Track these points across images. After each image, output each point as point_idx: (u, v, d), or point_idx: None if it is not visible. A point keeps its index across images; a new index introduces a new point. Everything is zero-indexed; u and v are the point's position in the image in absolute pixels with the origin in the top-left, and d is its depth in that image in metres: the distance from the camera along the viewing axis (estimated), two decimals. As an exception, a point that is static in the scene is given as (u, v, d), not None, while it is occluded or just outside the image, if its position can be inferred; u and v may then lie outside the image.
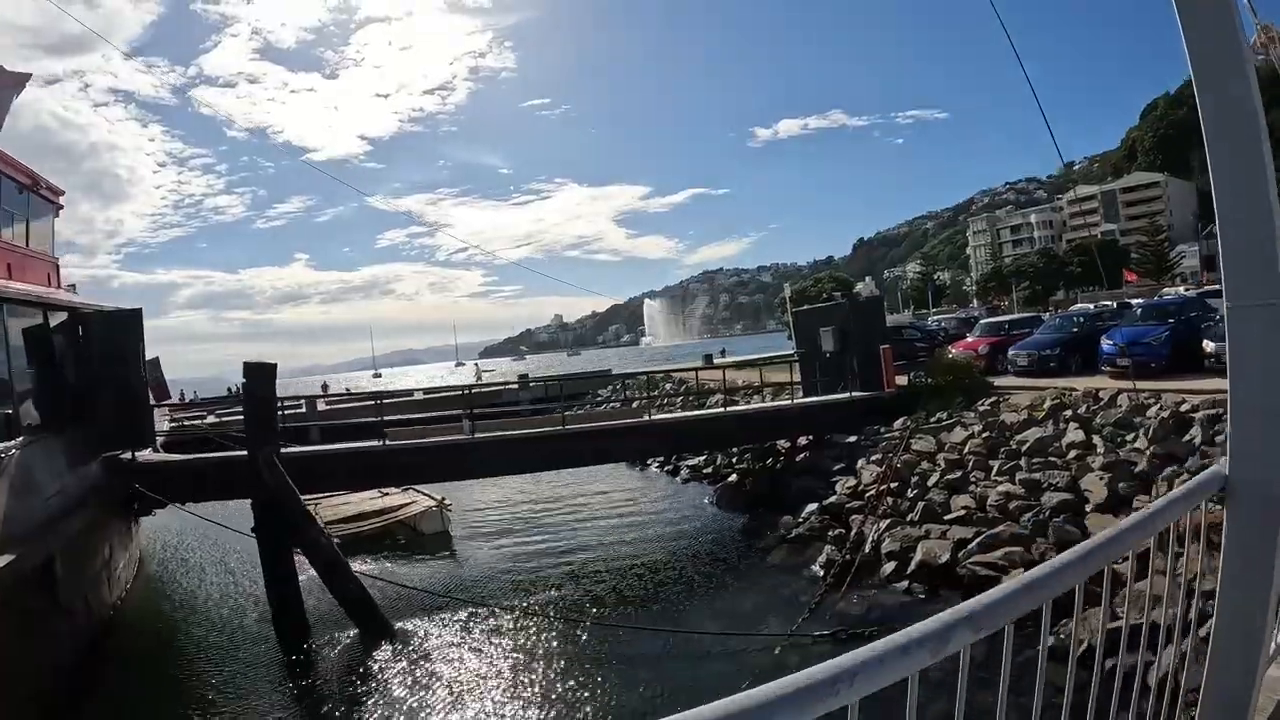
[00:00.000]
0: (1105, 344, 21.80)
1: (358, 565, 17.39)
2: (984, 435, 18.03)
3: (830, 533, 16.59)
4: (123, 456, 16.10)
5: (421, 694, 11.59)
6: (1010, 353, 25.30)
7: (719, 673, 11.42)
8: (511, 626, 14.09)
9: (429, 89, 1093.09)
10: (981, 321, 35.24)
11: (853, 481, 18.55)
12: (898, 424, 20.75)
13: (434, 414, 29.11)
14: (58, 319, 16.10)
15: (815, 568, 15.39)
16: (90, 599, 14.33)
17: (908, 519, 15.72)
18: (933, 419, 20.49)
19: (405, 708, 11.22)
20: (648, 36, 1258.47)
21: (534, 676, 11.92)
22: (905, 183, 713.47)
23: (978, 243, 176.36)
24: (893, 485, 17.16)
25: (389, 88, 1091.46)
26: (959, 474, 16.74)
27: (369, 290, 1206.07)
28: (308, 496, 19.53)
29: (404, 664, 12.80)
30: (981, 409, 20.20)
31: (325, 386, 74.23)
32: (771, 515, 18.85)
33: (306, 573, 14.99)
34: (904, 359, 27.64)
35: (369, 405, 27.92)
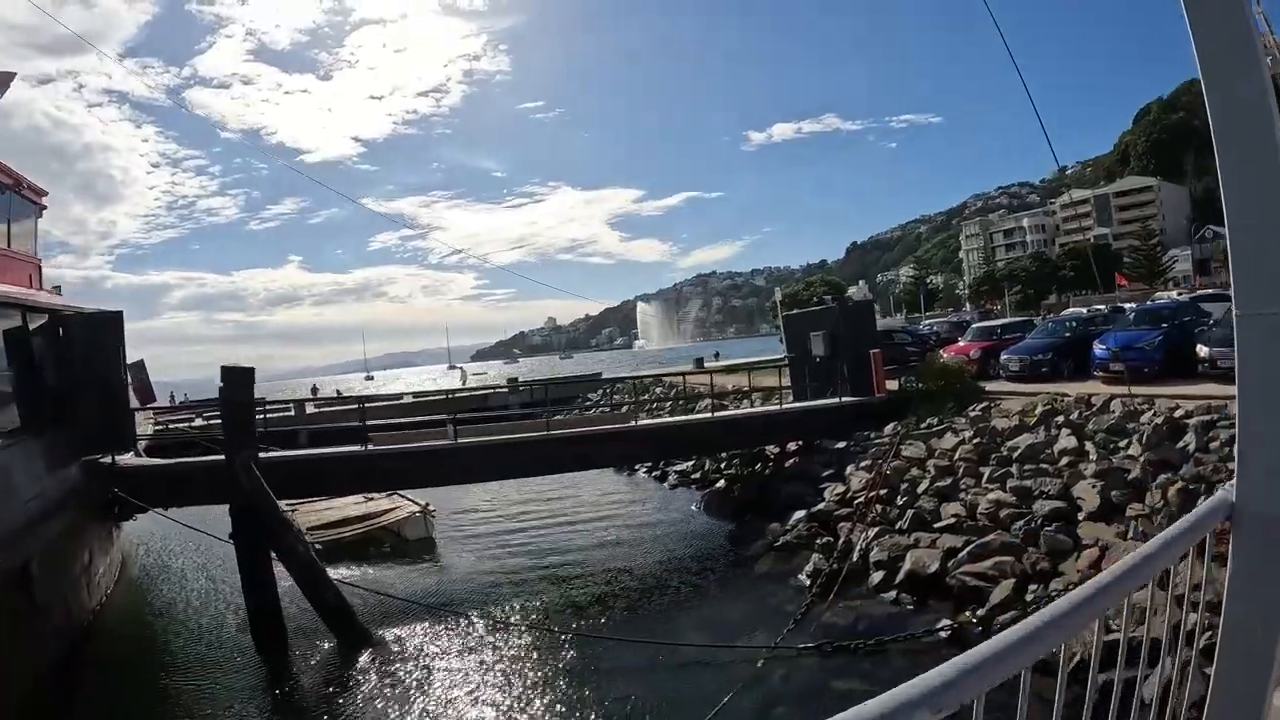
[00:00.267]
0: (1098, 349, 21.58)
1: (341, 571, 17.36)
2: (975, 441, 17.77)
3: (818, 541, 16.30)
4: (103, 460, 15.87)
5: (398, 707, 11.40)
6: (1002, 357, 25.12)
7: (702, 686, 11.20)
8: (493, 637, 13.87)
9: (423, 91, 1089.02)
10: (973, 326, 35.19)
11: (842, 488, 18.26)
12: (888, 430, 20.51)
13: (421, 418, 28.94)
14: (38, 321, 15.95)
15: (802, 577, 15.11)
16: (69, 603, 14.21)
17: (897, 527, 15.48)
18: (923, 425, 20.21)
19: (380, 721, 10.98)
20: (642, 40, 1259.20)
21: (514, 689, 11.73)
22: (899, 187, 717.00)
23: (970, 246, 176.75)
24: (882, 492, 16.89)
25: (383, 90, 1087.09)
26: (949, 481, 16.45)
27: (362, 293, 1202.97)
28: (291, 501, 19.42)
29: (382, 675, 12.60)
30: (973, 414, 19.97)
31: (315, 389, 74.31)
32: (759, 522, 18.62)
33: (287, 580, 14.73)
34: (895, 363, 27.48)
35: (357, 409, 27.65)
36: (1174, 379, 18.85)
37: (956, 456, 17.42)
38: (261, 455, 15.93)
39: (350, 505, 22.03)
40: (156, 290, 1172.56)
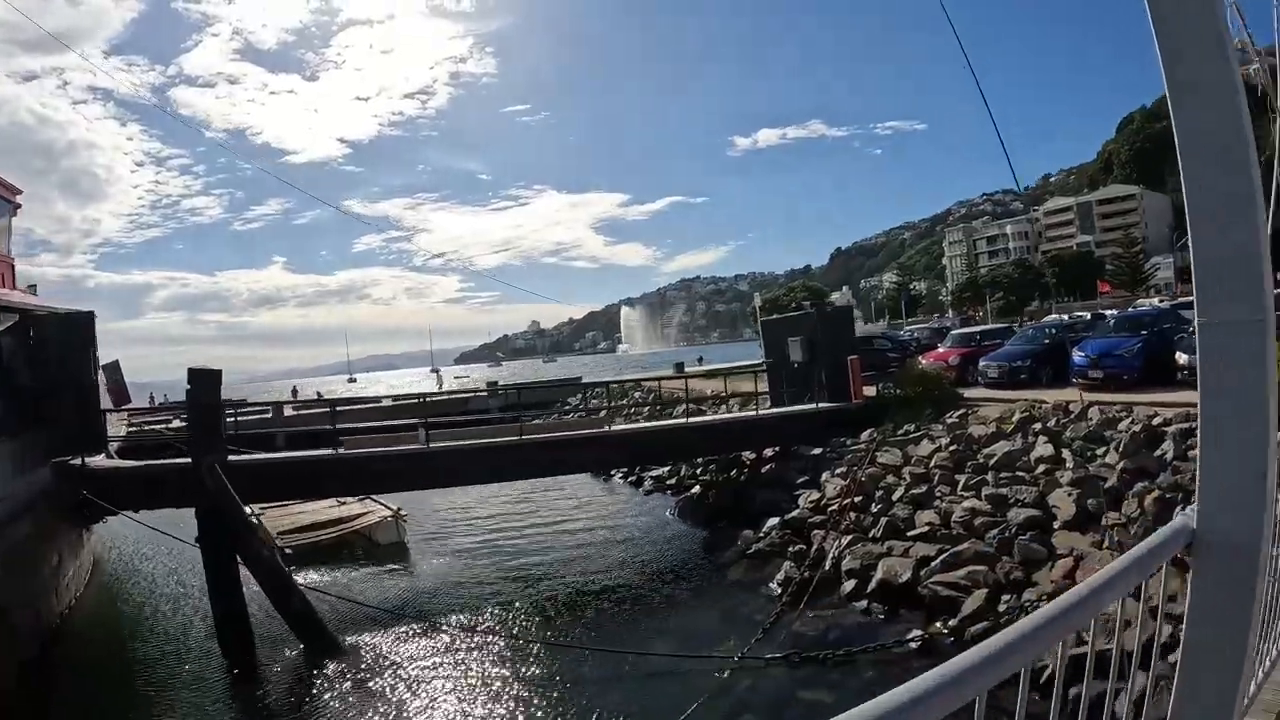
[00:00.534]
0: (1077, 356, 21.45)
1: (311, 576, 17.35)
2: (951, 448, 17.60)
3: (791, 548, 16.13)
4: (73, 462, 15.65)
5: (361, 715, 11.25)
6: (981, 364, 24.98)
7: (668, 696, 11.05)
8: (461, 645, 13.67)
9: (409, 93, 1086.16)
10: (953, 332, 35.10)
11: (816, 495, 18.10)
12: (864, 436, 20.31)
13: (400, 421, 28.68)
14: (7, 321, 15.82)
15: (774, 585, 14.93)
16: (38, 606, 14.13)
17: (870, 535, 15.32)
18: (900, 431, 20.06)
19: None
20: (628, 45, 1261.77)
21: (480, 698, 11.58)
22: (883, 193, 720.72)
23: (954, 253, 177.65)
24: (856, 499, 16.73)
25: (369, 91, 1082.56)
26: (924, 488, 16.29)
27: (345, 294, 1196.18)
28: (263, 505, 19.17)
29: (346, 683, 12.45)
30: (950, 421, 19.80)
31: (295, 391, 74.32)
32: (733, 529, 18.46)
33: (257, 584, 14.59)
34: (875, 369, 27.33)
35: (336, 411, 27.42)
36: (1153, 386, 18.70)
37: (932, 464, 17.27)
38: (232, 458, 15.82)
39: (323, 509, 21.86)
40: (139, 290, 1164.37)
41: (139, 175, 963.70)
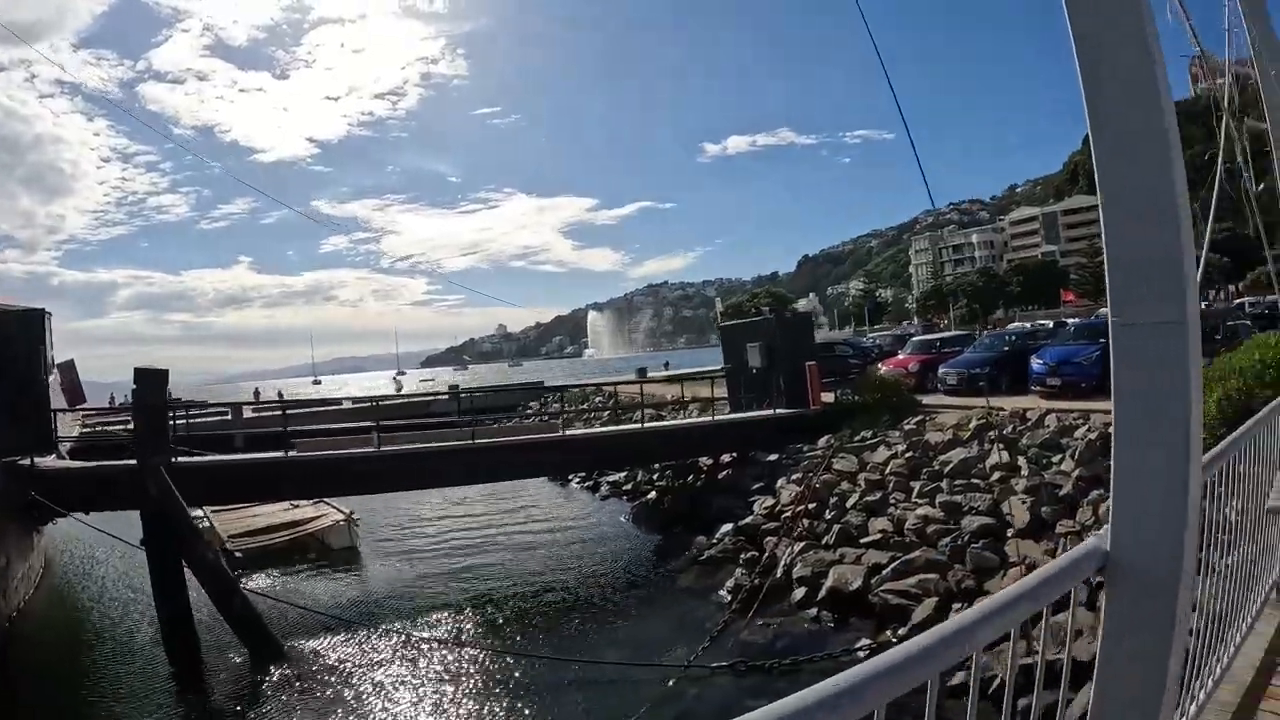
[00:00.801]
0: (1035, 363, 21.48)
1: (262, 580, 17.26)
2: (907, 455, 17.53)
3: (743, 555, 15.97)
4: (21, 462, 15.38)
5: (301, 721, 11.00)
6: (940, 371, 25.00)
7: (613, 705, 10.89)
8: (409, 652, 13.44)
9: (380, 93, 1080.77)
10: (912, 339, 35.16)
11: (771, 501, 18.01)
12: (821, 442, 20.21)
13: (359, 424, 28.35)
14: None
15: (724, 592, 14.81)
16: None
17: (823, 541, 15.21)
18: (857, 438, 19.97)
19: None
20: (599, 50, 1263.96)
21: (425, 706, 11.38)
22: (851, 201, 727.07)
23: (920, 261, 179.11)
24: (810, 506, 16.62)
25: (339, 90, 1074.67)
26: (879, 495, 16.22)
27: (311, 295, 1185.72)
28: (216, 508, 18.78)
29: (289, 689, 12.21)
30: (907, 428, 19.73)
31: (257, 393, 73.08)
32: (687, 535, 18.30)
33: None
34: (836, 376, 27.35)
35: (291, 415, 27.01)
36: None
37: (888, 470, 17.20)
38: (184, 460, 15.80)
39: (277, 512, 21.58)
40: (104, 288, 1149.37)
41: (105, 171, 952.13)
